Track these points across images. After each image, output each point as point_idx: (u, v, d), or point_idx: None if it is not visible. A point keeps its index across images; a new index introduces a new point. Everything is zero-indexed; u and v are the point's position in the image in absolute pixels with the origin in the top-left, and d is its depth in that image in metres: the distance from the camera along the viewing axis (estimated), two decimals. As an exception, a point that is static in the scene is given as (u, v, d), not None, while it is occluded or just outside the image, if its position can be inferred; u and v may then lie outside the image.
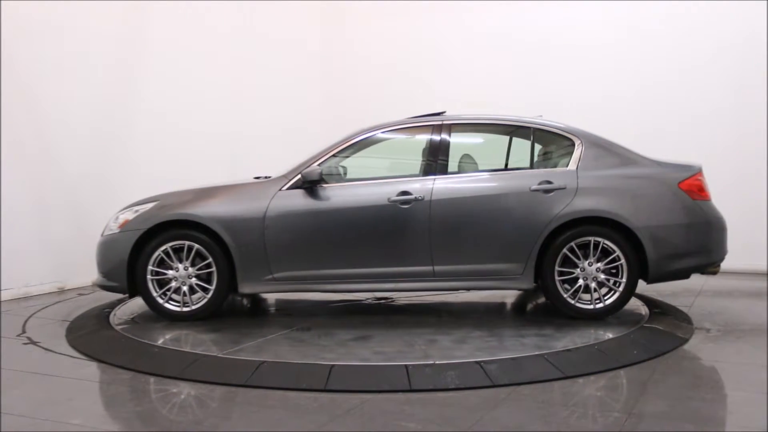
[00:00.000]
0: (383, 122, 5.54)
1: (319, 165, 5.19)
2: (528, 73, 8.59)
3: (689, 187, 5.26)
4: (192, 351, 4.41)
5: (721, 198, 7.52)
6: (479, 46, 8.91)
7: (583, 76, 8.32)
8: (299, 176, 5.16)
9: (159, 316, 5.15)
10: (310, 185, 5.13)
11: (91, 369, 4.31)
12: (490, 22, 8.85)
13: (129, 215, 5.21)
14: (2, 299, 6.21)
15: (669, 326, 5.05)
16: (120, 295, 5.72)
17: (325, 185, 5.16)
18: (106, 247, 5.25)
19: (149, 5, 7.62)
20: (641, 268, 5.12)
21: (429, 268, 5.11)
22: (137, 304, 5.57)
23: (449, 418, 3.42)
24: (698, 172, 5.39)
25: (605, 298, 5.12)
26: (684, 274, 5.32)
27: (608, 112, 8.07)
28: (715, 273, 5.41)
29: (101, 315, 5.48)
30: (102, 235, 5.35)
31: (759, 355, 4.46)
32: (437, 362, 4.10)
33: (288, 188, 5.15)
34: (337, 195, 5.16)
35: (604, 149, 5.32)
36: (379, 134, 5.47)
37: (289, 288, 5.20)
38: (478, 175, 5.42)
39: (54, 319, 5.58)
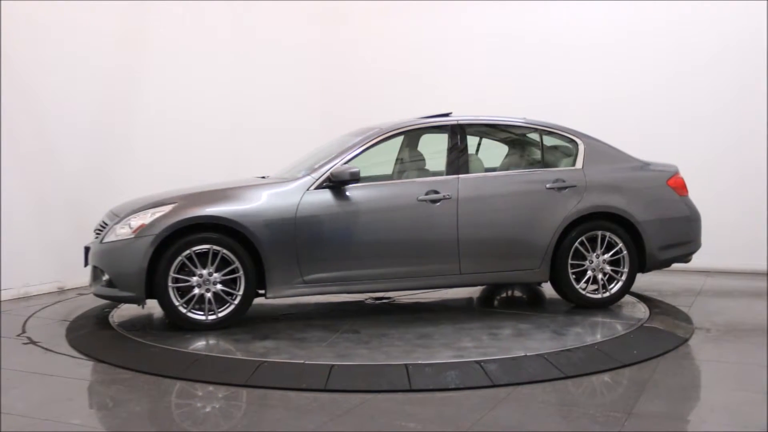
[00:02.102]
0: (399, 122, 5.55)
1: (343, 165, 5.10)
2: (528, 73, 8.58)
3: (675, 184, 5.82)
4: (192, 351, 4.41)
5: (721, 198, 7.60)
6: (479, 46, 8.89)
7: (583, 77, 8.30)
8: (327, 175, 5.07)
9: (182, 326, 4.82)
10: (339, 185, 5.07)
11: (91, 369, 4.31)
12: (490, 22, 8.83)
13: (144, 219, 4.84)
14: (2, 299, 6.21)
15: (669, 326, 5.05)
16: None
17: (351, 185, 5.09)
18: (118, 254, 4.83)
19: (149, 5, 7.62)
20: (639, 259, 5.58)
21: (456, 264, 5.23)
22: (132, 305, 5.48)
23: (449, 418, 3.42)
24: (678, 170, 5.93)
25: (610, 287, 5.51)
26: (669, 264, 5.87)
27: (609, 113, 8.06)
28: (688, 261, 5.99)
29: (101, 315, 5.48)
30: (103, 241, 4.96)
31: (759, 355, 4.46)
32: (528, 354, 4.22)
33: (316, 188, 5.06)
34: (366, 195, 5.15)
35: (601, 149, 5.74)
36: (397, 134, 5.49)
37: (317, 291, 5.07)
38: (498, 174, 5.62)
39: (54, 319, 5.58)
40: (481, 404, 3.58)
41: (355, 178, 5.04)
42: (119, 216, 5.03)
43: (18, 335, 5.06)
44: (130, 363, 4.25)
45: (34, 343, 4.85)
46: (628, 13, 8.17)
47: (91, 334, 4.96)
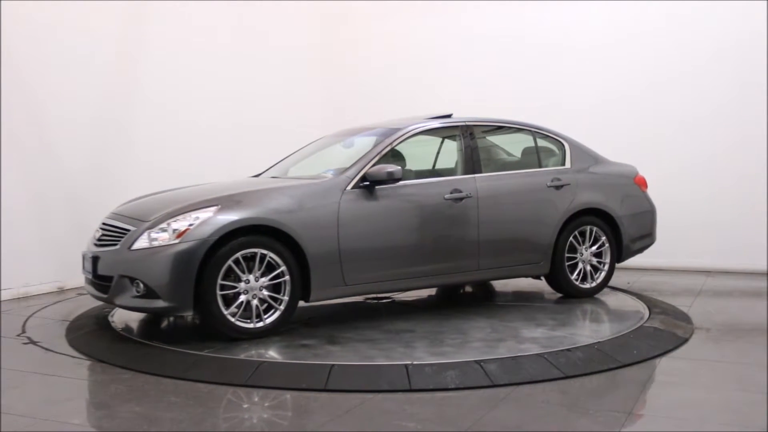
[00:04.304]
0: (413, 122, 5.57)
1: (373, 166, 5.05)
2: (528, 74, 8.56)
3: (639, 181, 6.33)
4: (192, 351, 4.40)
5: (721, 198, 7.59)
6: (479, 46, 8.88)
7: (583, 78, 8.29)
8: (361, 175, 5.01)
9: (229, 335, 4.51)
10: (373, 184, 5.02)
11: (91, 369, 4.31)
12: (489, 23, 8.82)
13: (187, 222, 4.50)
14: (2, 299, 6.21)
15: (669, 326, 5.05)
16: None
17: (384, 185, 5.04)
18: (159, 261, 4.42)
19: (149, 5, 7.61)
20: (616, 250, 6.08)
21: (475, 260, 5.41)
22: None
23: (449, 418, 3.42)
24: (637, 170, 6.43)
25: (596, 277, 5.98)
26: (634, 254, 6.28)
27: (609, 113, 8.07)
28: (642, 252, 6.43)
29: (101, 315, 5.47)
30: (131, 248, 4.55)
31: (759, 355, 4.47)
32: (598, 344, 4.44)
33: (352, 188, 4.98)
34: (399, 194, 5.14)
35: (580, 150, 6.15)
36: (414, 133, 5.48)
37: (355, 291, 5.04)
38: (509, 173, 5.78)
39: (54, 319, 5.58)
40: (481, 404, 3.58)
41: (393, 177, 4.98)
42: (142, 219, 4.70)
43: (18, 335, 5.06)
44: (130, 363, 4.25)
45: (34, 343, 4.85)
46: (628, 14, 8.16)
47: (91, 334, 4.96)
